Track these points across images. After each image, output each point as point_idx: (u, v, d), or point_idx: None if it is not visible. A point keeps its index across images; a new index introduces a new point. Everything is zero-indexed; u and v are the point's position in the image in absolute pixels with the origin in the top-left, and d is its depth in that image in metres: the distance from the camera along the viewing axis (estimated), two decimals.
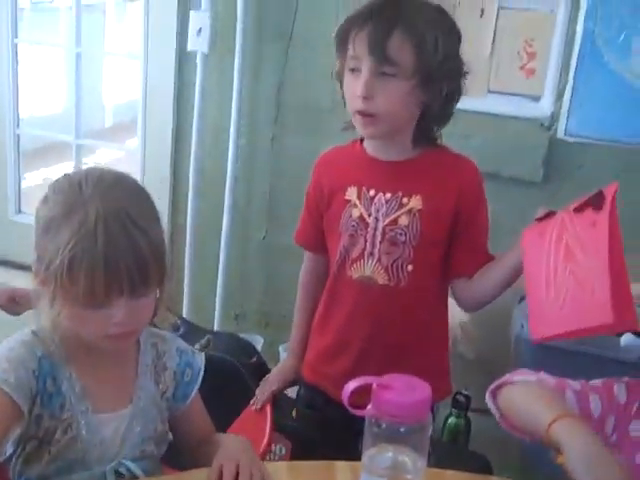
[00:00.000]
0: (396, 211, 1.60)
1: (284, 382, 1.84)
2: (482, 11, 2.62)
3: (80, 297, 1.15)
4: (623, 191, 2.53)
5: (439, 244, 1.63)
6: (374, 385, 1.08)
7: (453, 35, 1.58)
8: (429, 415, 1.08)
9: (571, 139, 2.60)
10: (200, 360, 1.42)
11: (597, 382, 1.34)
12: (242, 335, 2.70)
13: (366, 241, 1.63)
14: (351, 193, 1.65)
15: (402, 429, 1.05)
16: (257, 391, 1.81)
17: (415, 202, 1.59)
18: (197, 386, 1.41)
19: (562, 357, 2.24)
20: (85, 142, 3.48)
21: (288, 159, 2.88)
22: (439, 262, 1.65)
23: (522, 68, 2.63)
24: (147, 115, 3.05)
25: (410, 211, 1.59)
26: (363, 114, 1.56)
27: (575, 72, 2.54)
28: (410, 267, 1.61)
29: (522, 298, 2.49)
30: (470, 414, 2.45)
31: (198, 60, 2.81)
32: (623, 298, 1.25)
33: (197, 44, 2.79)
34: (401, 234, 1.60)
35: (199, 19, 2.76)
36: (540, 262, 1.38)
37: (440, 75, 1.54)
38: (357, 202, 1.64)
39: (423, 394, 1.06)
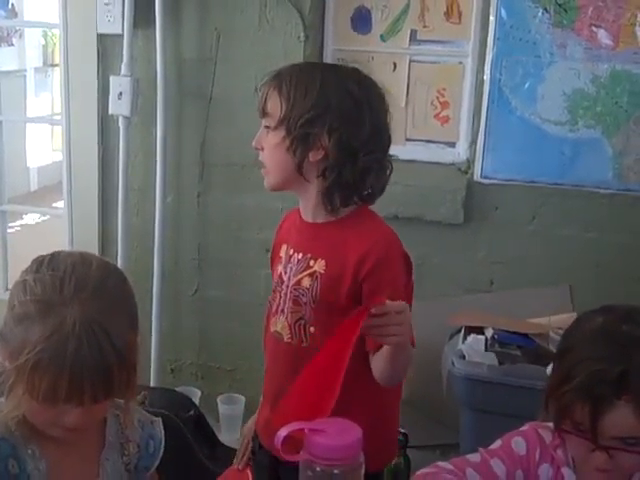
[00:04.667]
0: (302, 272, 1.61)
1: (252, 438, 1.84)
2: (394, 65, 2.73)
3: (38, 397, 1.12)
4: (539, 229, 2.68)
5: (341, 310, 1.55)
6: (306, 430, 1.11)
7: (335, 94, 1.56)
8: (361, 456, 1.11)
9: (487, 181, 2.71)
10: (159, 430, 1.39)
11: (497, 444, 1.37)
12: (179, 389, 2.72)
13: (280, 298, 1.65)
14: (283, 251, 1.68)
15: (336, 471, 1.08)
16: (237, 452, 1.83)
17: (319, 266, 1.59)
18: (159, 457, 1.39)
19: (492, 390, 2.31)
20: (10, 208, 3.46)
21: (215, 214, 2.92)
22: None
23: (436, 116, 2.75)
24: (72, 178, 3.05)
25: (313, 274, 1.59)
26: (262, 166, 1.64)
27: (486, 118, 2.66)
28: (312, 329, 1.60)
29: (452, 335, 2.57)
30: (408, 451, 2.49)
31: (120, 123, 2.84)
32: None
33: (118, 108, 2.82)
34: (303, 295, 1.60)
35: (119, 83, 2.80)
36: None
37: (301, 126, 1.54)
38: (283, 259, 1.67)
39: (354, 435, 1.10)
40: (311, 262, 1.60)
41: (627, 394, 1.19)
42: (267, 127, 1.60)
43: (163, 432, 1.40)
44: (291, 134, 1.55)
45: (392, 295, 1.50)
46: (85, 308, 1.12)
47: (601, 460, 1.22)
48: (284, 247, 1.68)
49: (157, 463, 1.39)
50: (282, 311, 1.64)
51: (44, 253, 1.24)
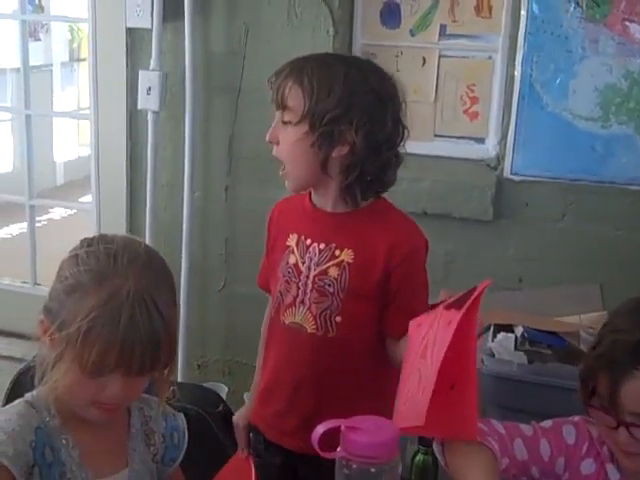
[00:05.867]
0: (327, 262, 1.61)
1: (248, 425, 1.85)
2: (424, 60, 2.70)
3: (87, 365, 1.15)
4: (569, 226, 2.65)
5: (369, 298, 1.61)
6: (342, 427, 1.11)
7: (359, 90, 1.57)
8: (398, 453, 1.11)
9: (517, 178, 2.68)
10: (182, 422, 1.42)
11: (548, 424, 1.38)
12: (206, 384, 2.71)
13: (298, 288, 1.64)
14: (291, 240, 1.67)
15: (373, 469, 1.08)
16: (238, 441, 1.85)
17: (346, 255, 1.60)
18: (184, 449, 1.41)
19: (522, 389, 2.29)
20: (38, 202, 3.47)
21: (243, 209, 2.91)
22: (371, 316, 1.63)
23: (466, 112, 2.72)
24: (100, 173, 3.06)
25: (340, 263, 1.59)
26: (280, 168, 1.65)
27: (516, 114, 2.63)
28: (339, 318, 1.60)
29: (479, 334, 2.54)
30: None
31: (149, 117, 2.84)
32: (459, 407, 1.21)
33: (147, 102, 2.81)
34: (329, 285, 1.60)
35: (148, 78, 2.79)
36: (409, 354, 1.36)
37: (327, 122, 1.54)
38: (295, 249, 1.65)
39: (391, 433, 1.10)
40: (336, 252, 1.61)
41: None
42: (286, 122, 1.59)
43: (186, 425, 1.43)
44: (316, 130, 1.55)
45: (422, 283, 1.64)
46: (137, 280, 1.17)
47: (623, 438, 1.24)
48: (293, 236, 1.67)
49: (182, 455, 1.42)
50: (302, 302, 1.63)
51: (72, 247, 1.28)
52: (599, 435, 1.34)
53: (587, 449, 1.34)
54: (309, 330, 1.63)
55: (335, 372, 1.63)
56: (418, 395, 1.21)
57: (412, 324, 1.40)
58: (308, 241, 1.64)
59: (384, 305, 1.62)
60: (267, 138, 1.63)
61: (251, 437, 1.84)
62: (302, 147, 1.57)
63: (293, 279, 1.65)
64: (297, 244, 1.65)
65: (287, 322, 1.66)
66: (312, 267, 1.62)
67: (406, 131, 1.62)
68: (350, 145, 1.56)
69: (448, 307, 1.28)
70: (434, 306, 1.36)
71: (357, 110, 1.55)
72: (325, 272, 1.61)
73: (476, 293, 1.22)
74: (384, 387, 1.68)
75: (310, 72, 1.57)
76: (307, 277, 1.63)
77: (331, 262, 1.61)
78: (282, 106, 1.59)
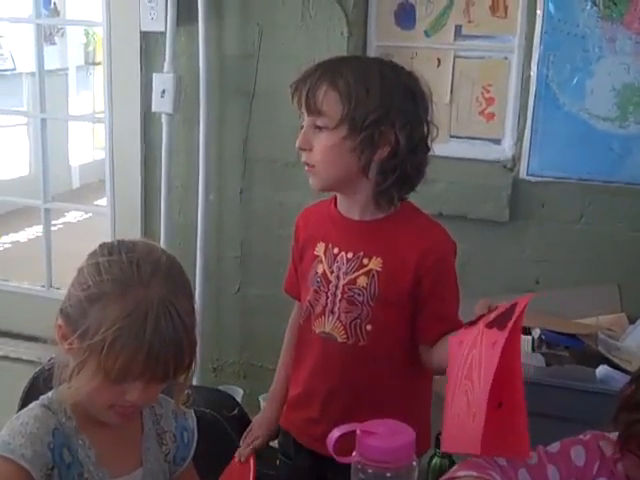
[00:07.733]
0: (355, 271, 1.58)
1: (268, 435, 1.83)
2: (439, 61, 2.69)
3: (111, 373, 1.16)
4: (586, 227, 2.63)
5: (399, 306, 1.59)
6: (358, 431, 1.09)
7: (396, 90, 1.53)
8: (414, 458, 1.09)
9: (533, 179, 2.66)
10: (192, 421, 1.43)
11: (555, 447, 1.34)
12: (221, 387, 2.71)
13: (327, 298, 1.62)
14: (319, 249, 1.64)
15: (389, 474, 1.06)
16: (241, 442, 1.82)
17: (375, 264, 1.57)
18: (194, 448, 1.42)
19: (539, 392, 2.26)
20: (54, 205, 3.47)
21: (257, 212, 2.91)
22: (402, 323, 1.61)
23: (481, 113, 2.70)
24: (115, 176, 3.06)
25: (369, 272, 1.57)
26: (306, 165, 1.60)
27: (533, 114, 2.61)
28: (369, 327, 1.58)
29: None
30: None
31: (163, 120, 2.84)
32: (507, 425, 1.19)
33: (161, 105, 2.81)
34: (359, 294, 1.58)
35: (162, 81, 2.79)
36: (452, 374, 1.34)
37: (369, 125, 1.50)
38: (323, 258, 1.63)
39: (407, 437, 1.08)
40: (364, 260, 1.58)
41: None
42: (319, 127, 1.54)
43: (196, 424, 1.44)
44: (357, 134, 1.51)
45: (452, 288, 1.61)
46: (161, 289, 1.18)
47: None
48: (321, 245, 1.64)
49: (192, 454, 1.43)
50: (332, 312, 1.61)
51: (88, 250, 1.27)
52: (613, 453, 1.30)
53: (599, 468, 1.30)
54: (339, 340, 1.61)
55: (367, 380, 1.61)
56: (469, 421, 1.19)
57: (452, 341, 1.38)
58: (335, 250, 1.62)
59: (415, 312, 1.59)
60: (298, 145, 1.58)
61: (280, 439, 1.83)
62: (340, 152, 1.53)
63: (322, 289, 1.63)
64: (325, 253, 1.63)
65: (317, 331, 1.65)
66: (341, 276, 1.60)
67: (435, 130, 1.59)
68: (391, 146, 1.52)
69: (490, 326, 1.25)
70: (473, 322, 1.33)
71: (397, 110, 1.51)
72: (354, 281, 1.58)
73: (518, 311, 1.20)
74: (416, 394, 1.69)
75: (345, 73, 1.52)
76: (336, 287, 1.60)
77: (360, 271, 1.58)
78: (315, 111, 1.53)
